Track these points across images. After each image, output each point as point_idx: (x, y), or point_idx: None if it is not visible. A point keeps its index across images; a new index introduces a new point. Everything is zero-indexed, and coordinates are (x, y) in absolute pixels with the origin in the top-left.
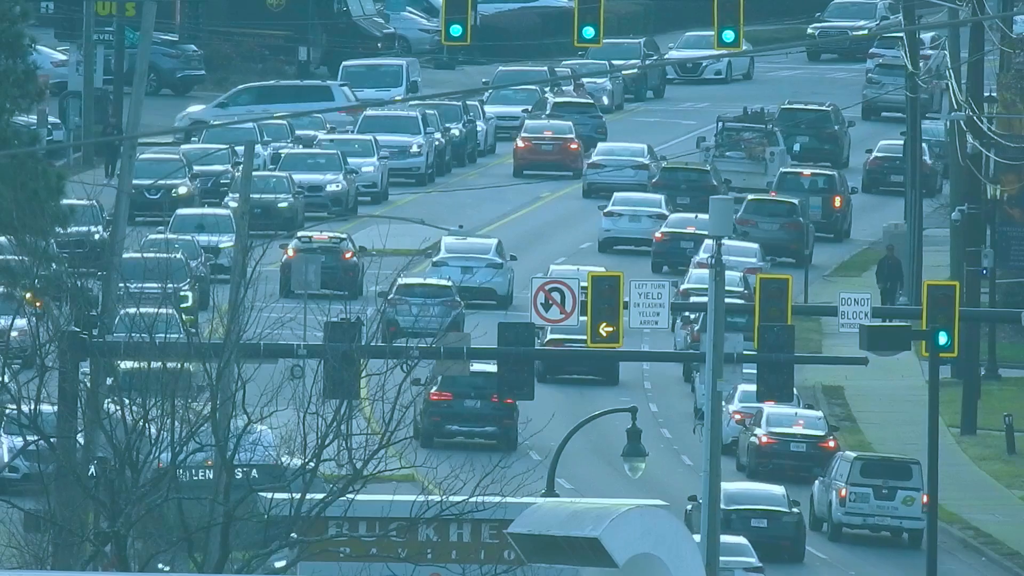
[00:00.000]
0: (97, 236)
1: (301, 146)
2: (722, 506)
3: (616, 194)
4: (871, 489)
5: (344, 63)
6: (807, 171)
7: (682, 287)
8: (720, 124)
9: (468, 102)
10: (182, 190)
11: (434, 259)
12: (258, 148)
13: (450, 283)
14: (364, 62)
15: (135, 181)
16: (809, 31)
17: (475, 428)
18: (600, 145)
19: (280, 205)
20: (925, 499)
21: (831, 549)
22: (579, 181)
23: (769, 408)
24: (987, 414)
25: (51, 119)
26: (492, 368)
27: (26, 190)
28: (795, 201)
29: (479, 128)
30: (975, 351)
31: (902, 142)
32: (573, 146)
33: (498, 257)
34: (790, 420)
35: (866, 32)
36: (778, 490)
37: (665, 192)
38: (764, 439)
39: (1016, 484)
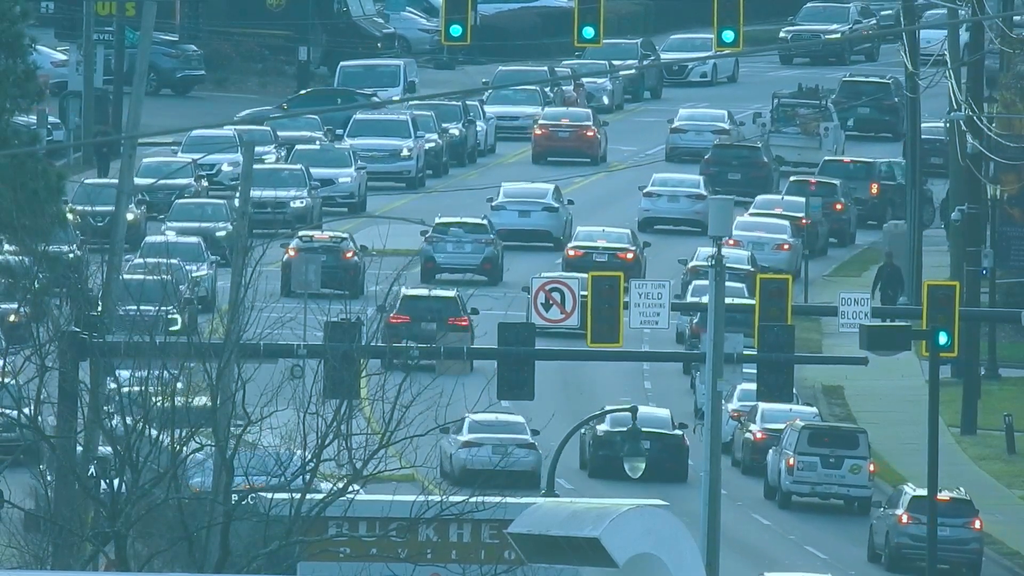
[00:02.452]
0: (71, 255)
1: (284, 150)
2: (608, 428)
3: (655, 175)
4: (818, 458)
5: (341, 63)
6: (847, 158)
7: (691, 264)
8: (775, 100)
9: (468, 102)
10: (128, 216)
11: (493, 203)
12: (237, 156)
13: (485, 221)
14: (361, 62)
15: (82, 208)
16: (781, 35)
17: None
18: (681, 111)
19: (218, 234)
20: (872, 467)
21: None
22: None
23: (764, 404)
24: (987, 414)
25: (51, 119)
26: (450, 293)
27: (26, 190)
28: (836, 182)
29: (479, 128)
30: (975, 351)
31: (944, 124)
32: (590, 133)
33: (555, 201)
34: (784, 416)
35: (839, 36)
36: (663, 413)
37: (716, 168)
38: (758, 435)
39: (1016, 484)
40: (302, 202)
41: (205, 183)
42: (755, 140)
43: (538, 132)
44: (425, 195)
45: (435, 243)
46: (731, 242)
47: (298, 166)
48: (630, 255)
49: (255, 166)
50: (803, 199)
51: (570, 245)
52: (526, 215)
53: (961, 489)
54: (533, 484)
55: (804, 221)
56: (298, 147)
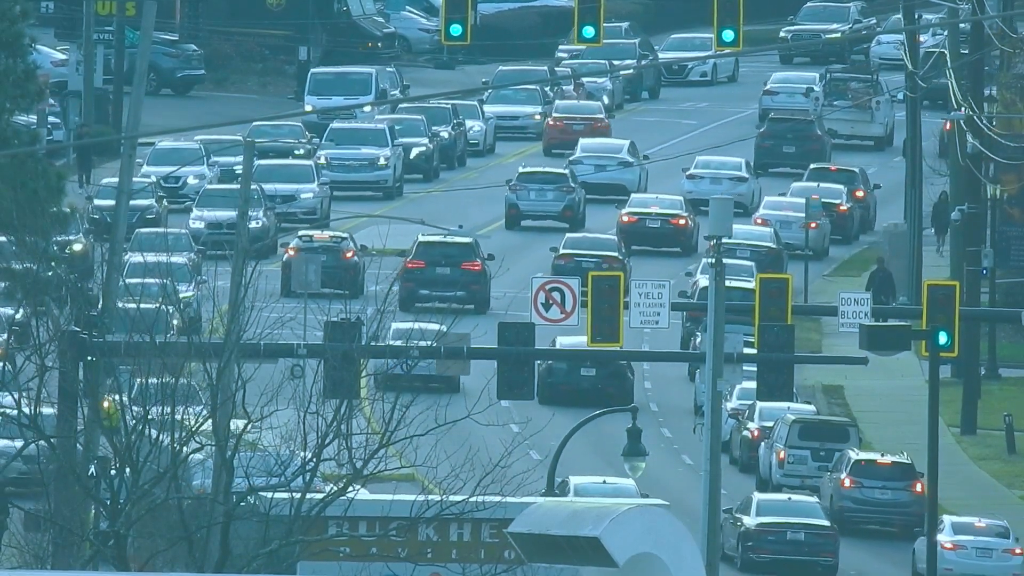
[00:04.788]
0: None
1: (256, 160)
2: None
3: (698, 157)
4: (808, 451)
5: (312, 71)
6: (833, 166)
7: (713, 241)
8: (828, 75)
9: (467, 102)
10: (77, 247)
11: (571, 158)
12: (203, 170)
13: (566, 171)
14: (332, 70)
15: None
16: (782, 34)
17: (446, 293)
18: (775, 75)
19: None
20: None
21: None
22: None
23: (762, 402)
24: (987, 414)
25: (51, 119)
26: (466, 239)
27: (26, 190)
28: (856, 170)
29: (477, 128)
30: (975, 351)
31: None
32: (603, 125)
33: (630, 156)
34: (782, 413)
35: (839, 35)
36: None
37: (771, 141)
38: (755, 433)
39: (1016, 484)
40: (258, 223)
41: (165, 203)
42: (809, 114)
43: (552, 124)
44: (405, 202)
45: (518, 191)
46: (759, 221)
47: (254, 185)
48: (682, 221)
49: (216, 185)
50: (839, 186)
51: (624, 211)
52: (602, 169)
53: (903, 453)
54: (452, 388)
55: (842, 208)
56: (259, 162)
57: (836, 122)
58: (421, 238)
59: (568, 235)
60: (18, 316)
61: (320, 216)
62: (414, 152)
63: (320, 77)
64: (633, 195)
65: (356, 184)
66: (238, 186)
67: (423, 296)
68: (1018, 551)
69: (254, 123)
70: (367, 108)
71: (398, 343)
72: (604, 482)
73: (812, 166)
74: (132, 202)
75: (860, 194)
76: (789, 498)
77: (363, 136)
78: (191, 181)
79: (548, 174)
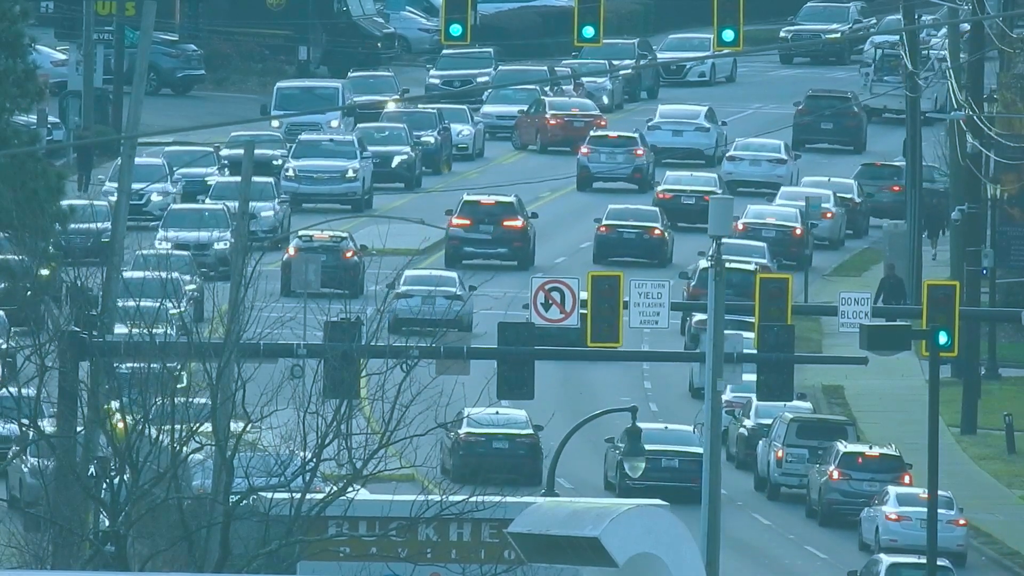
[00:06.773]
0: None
1: (228, 172)
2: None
3: (738, 140)
4: (807, 450)
5: (278, 84)
6: (878, 162)
7: (741, 221)
8: (878, 51)
9: (456, 106)
10: (43, 271)
11: (649, 123)
12: (166, 186)
13: (636, 135)
14: (299, 84)
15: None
16: (782, 34)
17: (489, 251)
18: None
19: (188, 287)
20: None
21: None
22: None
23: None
24: (987, 414)
25: (51, 119)
26: (509, 198)
27: (26, 190)
28: (900, 164)
29: (466, 133)
30: (975, 351)
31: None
32: (603, 122)
33: (707, 122)
34: (778, 411)
35: (839, 35)
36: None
37: (809, 118)
38: (752, 430)
39: (1016, 484)
40: (225, 243)
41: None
42: (847, 92)
43: (552, 122)
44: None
45: (590, 154)
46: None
47: (219, 205)
48: None
49: (182, 204)
50: (849, 180)
51: (659, 188)
52: (679, 134)
53: (891, 445)
54: (463, 329)
55: (855, 203)
56: (219, 180)
57: (887, 97)
58: (466, 197)
59: (611, 206)
60: (5, 346)
61: (280, 234)
62: (396, 161)
63: (286, 91)
64: (668, 173)
65: (324, 196)
66: (204, 205)
67: (468, 253)
68: (962, 521)
69: (232, 133)
70: (334, 124)
71: (414, 289)
72: (497, 413)
73: (861, 164)
74: (91, 225)
75: (896, 189)
76: (666, 427)
77: (331, 148)
78: (155, 198)
79: (619, 138)
